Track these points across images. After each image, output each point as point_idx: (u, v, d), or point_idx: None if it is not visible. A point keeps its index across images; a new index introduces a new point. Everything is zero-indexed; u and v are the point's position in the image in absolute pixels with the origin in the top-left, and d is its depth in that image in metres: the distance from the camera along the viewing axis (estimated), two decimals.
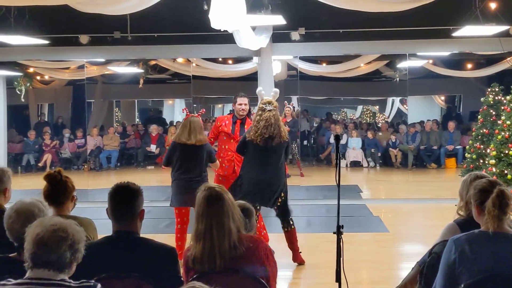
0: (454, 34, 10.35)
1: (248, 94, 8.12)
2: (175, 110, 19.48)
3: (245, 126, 7.67)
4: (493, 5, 9.07)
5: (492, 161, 9.99)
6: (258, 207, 6.70)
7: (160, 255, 3.35)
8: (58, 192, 3.98)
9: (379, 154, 16.42)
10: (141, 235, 3.51)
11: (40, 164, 15.77)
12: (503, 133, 9.98)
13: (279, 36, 11.17)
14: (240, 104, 7.77)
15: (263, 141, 6.78)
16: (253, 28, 9.27)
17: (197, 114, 7.29)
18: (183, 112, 7.53)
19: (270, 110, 6.85)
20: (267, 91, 8.38)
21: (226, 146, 7.79)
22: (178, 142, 7.04)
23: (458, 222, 3.95)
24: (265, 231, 7.52)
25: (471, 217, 3.67)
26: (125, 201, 3.41)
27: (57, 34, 11.35)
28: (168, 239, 3.71)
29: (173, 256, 3.39)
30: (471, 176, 4.04)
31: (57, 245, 2.69)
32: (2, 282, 2.78)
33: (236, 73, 15.44)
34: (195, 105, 17.84)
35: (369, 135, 16.67)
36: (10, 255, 3.34)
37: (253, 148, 6.87)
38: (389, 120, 18.95)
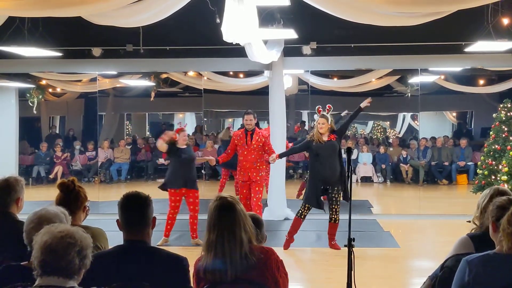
0: (466, 49, 10.33)
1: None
2: (185, 123, 19.52)
3: (253, 135, 9.42)
4: (505, 21, 9.03)
5: (504, 177, 9.95)
6: (329, 191, 8.56)
7: (171, 264, 3.33)
8: (70, 201, 3.97)
9: (384, 167, 16.31)
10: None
11: (51, 176, 15.81)
12: None
13: (290, 50, 11.19)
14: (246, 120, 9.52)
15: (318, 140, 8.69)
16: (265, 42, 9.32)
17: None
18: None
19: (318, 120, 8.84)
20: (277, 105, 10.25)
21: (241, 158, 9.44)
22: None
23: (471, 236, 3.86)
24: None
25: (484, 230, 3.62)
26: (136, 209, 3.40)
27: (70, 46, 11.43)
28: (179, 251, 3.70)
29: (184, 266, 3.36)
30: (493, 189, 3.91)
31: (65, 252, 2.67)
32: None
33: (247, 87, 15.46)
34: (205, 119, 17.90)
35: (381, 150, 16.63)
36: (22, 263, 3.34)
37: (314, 146, 8.70)
38: (400, 135, 18.87)
